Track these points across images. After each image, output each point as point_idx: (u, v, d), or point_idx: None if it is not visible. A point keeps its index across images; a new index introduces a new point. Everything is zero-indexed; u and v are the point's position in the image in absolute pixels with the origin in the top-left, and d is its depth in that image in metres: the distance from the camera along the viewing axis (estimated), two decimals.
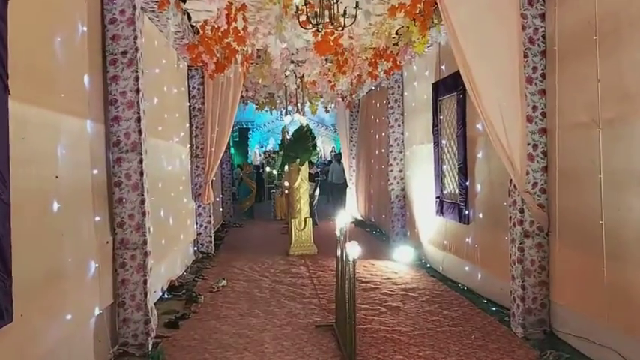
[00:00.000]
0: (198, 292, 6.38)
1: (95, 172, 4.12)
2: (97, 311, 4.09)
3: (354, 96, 12.59)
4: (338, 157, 21.22)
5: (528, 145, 4.70)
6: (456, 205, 6.75)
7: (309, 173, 12.22)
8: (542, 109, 4.70)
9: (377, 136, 11.43)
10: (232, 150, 27.11)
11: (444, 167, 7.26)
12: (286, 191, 12.40)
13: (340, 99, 12.76)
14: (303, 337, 4.88)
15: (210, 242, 9.09)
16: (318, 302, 6.05)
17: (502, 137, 4.64)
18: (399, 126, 9.34)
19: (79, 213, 3.82)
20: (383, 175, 10.63)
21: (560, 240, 4.56)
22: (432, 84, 7.53)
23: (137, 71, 4.39)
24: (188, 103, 8.86)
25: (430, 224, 7.88)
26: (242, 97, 11.50)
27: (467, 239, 6.45)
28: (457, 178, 6.73)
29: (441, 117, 7.32)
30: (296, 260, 8.62)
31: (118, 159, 4.40)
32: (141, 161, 4.42)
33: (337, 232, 4.84)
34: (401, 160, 9.36)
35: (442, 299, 6.06)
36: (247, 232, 12.49)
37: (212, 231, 9.17)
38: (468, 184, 6.43)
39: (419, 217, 8.48)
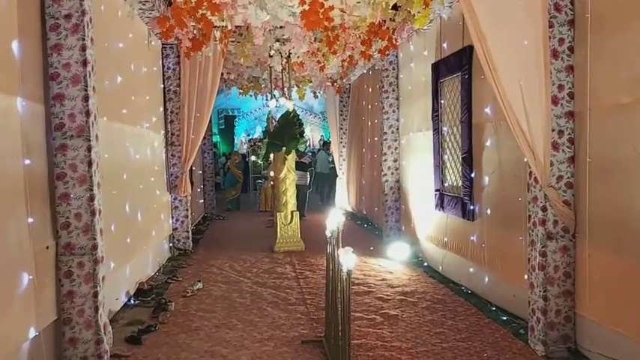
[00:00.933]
0: (169, 299, 5.62)
1: (28, 162, 3.32)
2: (32, 333, 3.32)
3: (344, 80, 11.81)
4: (326, 145, 20.50)
5: (553, 131, 3.98)
6: (458, 199, 6.05)
7: (301, 162, 11.52)
8: (569, 88, 3.98)
9: (369, 123, 10.70)
10: (217, 138, 26.40)
11: (445, 157, 6.54)
12: (272, 182, 11.67)
13: (330, 84, 11.97)
14: (287, 356, 4.16)
15: (188, 238, 8.32)
16: (305, 310, 5.32)
17: (522, 122, 3.92)
18: (394, 112, 8.60)
19: (2, 213, 3.03)
20: (376, 164, 9.91)
21: (590, 243, 3.87)
22: (432, 64, 6.79)
23: (84, 39, 3.59)
24: (162, 85, 8.04)
25: (428, 219, 7.18)
26: (224, 80, 10.68)
27: (472, 237, 5.76)
28: (460, 169, 6.02)
29: (442, 101, 6.59)
30: (281, 258, 7.89)
31: (62, 146, 3.61)
32: (89, 148, 3.63)
33: (327, 233, 4.09)
34: (395, 148, 8.64)
35: (445, 306, 5.38)
36: (231, 225, 11.72)
37: (190, 226, 8.40)
38: (473, 175, 5.72)
39: (415, 210, 7.77)
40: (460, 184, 6.04)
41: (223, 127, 25.97)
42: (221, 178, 16.98)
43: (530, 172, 4.13)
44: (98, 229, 3.72)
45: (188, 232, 8.31)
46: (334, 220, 3.85)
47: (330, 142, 14.19)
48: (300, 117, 8.42)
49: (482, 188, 5.51)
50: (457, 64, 5.99)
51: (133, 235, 5.83)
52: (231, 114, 25.54)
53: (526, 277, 4.50)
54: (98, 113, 3.86)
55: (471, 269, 5.81)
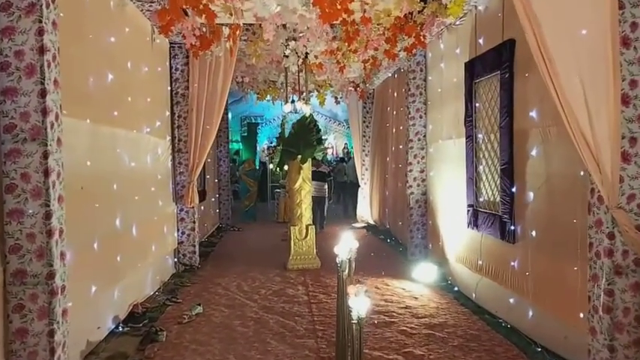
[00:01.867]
0: (161, 326, 4.94)
1: None
2: None
3: (367, 84, 11.07)
4: (346, 156, 19.81)
5: (623, 138, 3.18)
6: (496, 217, 5.23)
7: (320, 172, 10.79)
8: None
9: (394, 130, 9.92)
10: (240, 145, 25.99)
11: (480, 168, 5.73)
12: (287, 193, 10.99)
13: (352, 88, 11.24)
14: None
15: (195, 252, 7.65)
16: (314, 345, 4.57)
17: (585, 126, 3.15)
18: (421, 117, 7.82)
19: None
20: (400, 175, 9.12)
21: None
22: (466, 63, 6.00)
23: (42, 21, 2.94)
24: (169, 88, 7.43)
25: (459, 238, 6.35)
26: (238, 83, 10.06)
27: (512, 263, 4.92)
28: (499, 183, 5.20)
29: (477, 104, 5.79)
30: (294, 277, 7.15)
31: (12, 151, 2.96)
32: (45, 155, 2.97)
33: (338, 261, 3.35)
34: (422, 158, 7.84)
35: (480, 343, 4.55)
36: (245, 237, 11.05)
37: (197, 239, 7.73)
38: (514, 190, 4.90)
39: (445, 227, 6.95)
40: (498, 199, 5.22)
41: (246, 134, 25.57)
42: (238, 187, 16.41)
43: (593, 190, 3.32)
44: (57, 253, 3.05)
45: (195, 246, 7.65)
46: (345, 246, 3.09)
47: None
48: (317, 122, 7.70)
49: (526, 205, 4.69)
50: (496, 62, 5.20)
51: (125, 252, 5.18)
52: (254, 121, 25.16)
53: (582, 315, 3.68)
54: (63, 112, 3.19)
55: (511, 300, 4.97)
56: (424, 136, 7.82)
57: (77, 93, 4.12)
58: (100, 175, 4.59)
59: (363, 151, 12.39)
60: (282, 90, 10.44)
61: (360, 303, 2.50)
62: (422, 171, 7.84)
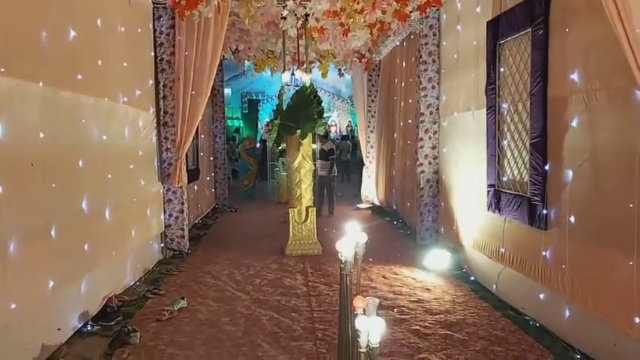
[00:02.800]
0: (135, 326, 4.28)
1: None
2: None
3: (373, 54, 10.25)
4: (350, 134, 19.08)
5: None
6: (523, 200, 4.51)
7: (323, 149, 10.05)
8: None
9: (402, 104, 9.13)
10: (240, 123, 25.20)
11: (505, 143, 4.98)
12: (283, 172, 10.29)
13: (357, 59, 10.42)
14: None
15: (184, 237, 6.97)
16: (313, 349, 3.90)
17: None
18: (434, 88, 7.04)
19: None
20: (409, 152, 8.38)
21: None
22: (488, 22, 5.21)
23: None
24: (153, 53, 6.67)
25: (477, 222, 5.65)
26: (234, 53, 9.27)
27: (543, 252, 4.22)
28: (528, 160, 4.47)
29: (502, 69, 5.02)
30: (293, 264, 6.48)
31: None
32: None
33: (341, 262, 2.65)
34: (435, 132, 7.09)
35: (507, 348, 3.88)
36: (242, 218, 10.38)
37: (186, 222, 7.05)
38: (547, 168, 4.17)
39: (460, 210, 6.24)
40: (526, 179, 4.50)
41: (247, 111, 24.81)
42: (237, 165, 15.72)
43: None
44: None
45: (184, 229, 6.97)
46: (351, 241, 2.39)
47: None
48: (317, 94, 6.94)
49: (563, 186, 3.96)
50: (526, 17, 4.42)
51: (96, 239, 4.50)
52: (255, 98, 24.41)
53: (638, 320, 3.00)
54: None
55: (542, 295, 4.28)
56: (436, 108, 7.06)
57: (22, 47, 3.39)
58: (59, 149, 3.88)
59: (369, 127, 11.61)
60: (281, 60, 9.64)
61: (371, 325, 1.79)
62: (434, 147, 7.10)
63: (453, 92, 6.49)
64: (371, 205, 11.30)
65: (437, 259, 6.16)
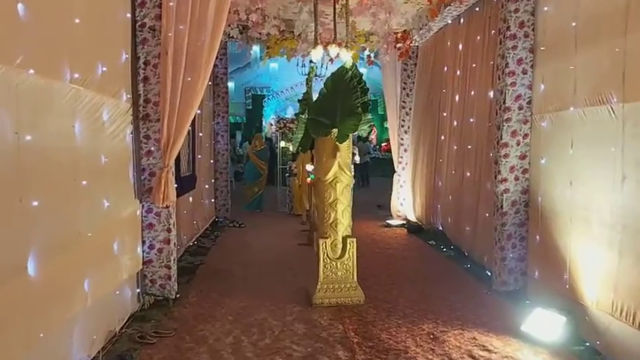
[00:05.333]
0: None
1: None
2: None
3: (417, 35, 8.21)
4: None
5: None
6: None
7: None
8: None
9: (456, 98, 7.11)
10: (244, 119, 23.26)
11: None
12: (308, 179, 8.28)
13: (394, 44, 8.37)
14: None
15: (169, 277, 4.93)
16: None
17: None
18: (525, 73, 5.01)
19: None
20: (469, 160, 6.38)
21: None
22: None
23: None
24: (129, 14, 4.65)
25: (614, 271, 3.63)
26: (242, 28, 7.26)
27: None
28: None
29: None
30: (327, 325, 4.44)
31: None
32: None
33: None
34: (525, 136, 5.07)
35: None
36: (248, 237, 8.36)
37: (174, 255, 5.02)
38: None
39: (578, 250, 4.20)
40: None
41: (251, 107, 23.03)
42: (243, 167, 13.74)
43: None
44: None
45: (170, 266, 4.94)
46: None
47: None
48: (362, 77, 4.90)
49: None
50: None
51: (7, 307, 2.50)
52: (259, 93, 22.65)
53: None
54: None
55: None
56: (528, 102, 5.03)
57: None
58: None
59: (402, 126, 9.60)
60: (301, 40, 7.61)
61: None
62: (523, 157, 5.07)
63: (565, 78, 4.43)
64: (405, 222, 9.28)
65: (543, 323, 4.14)
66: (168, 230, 4.88)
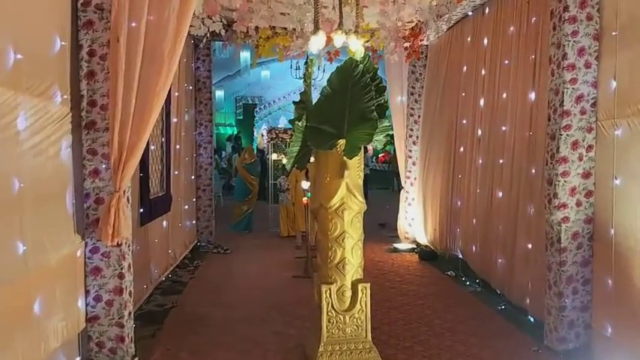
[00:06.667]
0: None
1: None
2: None
3: (429, 32, 7.09)
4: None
5: None
6: None
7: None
8: None
9: (481, 102, 5.98)
10: (234, 130, 22.26)
11: None
12: (304, 198, 7.09)
13: (402, 43, 7.20)
14: None
15: (122, 339, 3.69)
16: None
17: None
18: (588, 67, 3.86)
19: None
20: (511, 178, 5.21)
21: None
22: None
23: None
24: None
25: None
26: (225, 25, 6.10)
27: None
28: None
29: None
30: None
31: None
32: None
33: None
34: (588, 149, 3.91)
35: None
36: (234, 266, 7.12)
37: (130, 308, 3.79)
38: None
39: None
40: None
41: (242, 117, 22.12)
42: (233, 179, 12.55)
43: None
44: None
45: (123, 323, 3.70)
46: None
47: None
48: (377, 72, 3.73)
49: None
50: None
51: None
52: (251, 102, 21.73)
53: None
54: None
55: None
56: (592, 104, 3.88)
57: None
58: None
59: (410, 136, 8.44)
60: (296, 35, 6.45)
61: None
62: (587, 175, 3.91)
63: None
64: (415, 247, 8.09)
65: None
66: (121, 276, 3.66)
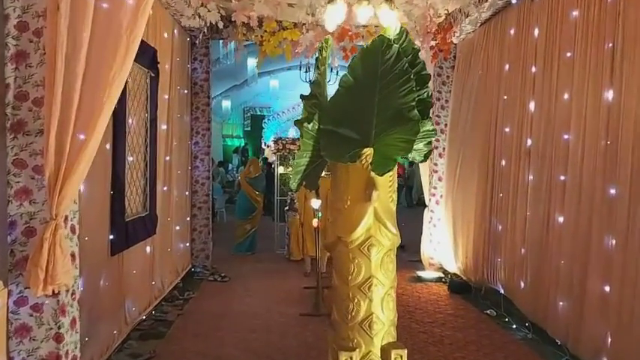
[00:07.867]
0: None
1: None
2: None
3: (465, 23, 6.05)
4: None
5: None
6: None
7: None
8: None
9: (531, 106, 4.90)
10: (242, 142, 21.61)
11: None
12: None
13: (430, 39, 6.18)
14: None
15: None
16: None
17: None
18: None
19: None
20: (580, 199, 4.11)
21: None
22: None
23: None
24: None
25: None
26: (224, 16, 5.12)
27: None
28: None
29: None
30: None
31: None
32: None
33: None
34: None
35: None
36: (233, 300, 6.04)
37: None
38: None
39: None
40: None
41: (249, 128, 21.43)
42: (236, 194, 11.55)
43: None
44: None
45: None
46: None
47: None
48: (418, 54, 2.70)
49: None
50: None
51: None
52: (259, 113, 21.04)
53: None
54: None
55: None
56: None
57: None
58: None
59: (436, 147, 7.37)
60: (306, 28, 5.45)
61: None
62: None
63: None
64: (443, 276, 6.99)
65: None
66: (58, 338, 2.61)
